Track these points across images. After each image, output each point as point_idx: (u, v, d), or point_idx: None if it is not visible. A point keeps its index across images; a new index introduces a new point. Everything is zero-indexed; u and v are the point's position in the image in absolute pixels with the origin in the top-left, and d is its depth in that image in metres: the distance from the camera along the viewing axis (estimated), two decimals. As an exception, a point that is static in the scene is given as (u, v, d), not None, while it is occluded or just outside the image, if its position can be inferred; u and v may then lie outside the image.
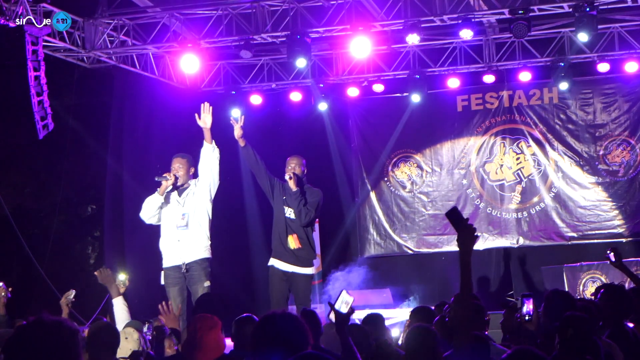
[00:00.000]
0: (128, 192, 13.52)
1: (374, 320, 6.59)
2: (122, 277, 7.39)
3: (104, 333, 5.07)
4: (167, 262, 8.63)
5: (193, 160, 8.76)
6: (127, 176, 13.55)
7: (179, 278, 8.51)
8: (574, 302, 5.57)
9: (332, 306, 4.37)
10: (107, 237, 13.93)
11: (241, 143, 8.78)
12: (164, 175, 8.57)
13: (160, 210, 8.67)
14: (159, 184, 8.66)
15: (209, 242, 8.66)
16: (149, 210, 8.66)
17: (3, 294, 7.23)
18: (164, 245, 8.69)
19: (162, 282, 8.64)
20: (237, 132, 8.72)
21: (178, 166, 8.61)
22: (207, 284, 8.44)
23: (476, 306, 5.48)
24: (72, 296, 7.25)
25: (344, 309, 4.36)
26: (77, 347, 2.77)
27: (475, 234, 4.02)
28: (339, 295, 4.43)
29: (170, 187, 8.58)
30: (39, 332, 2.72)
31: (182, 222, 8.55)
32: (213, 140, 8.63)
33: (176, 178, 8.58)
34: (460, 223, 4.00)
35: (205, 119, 8.60)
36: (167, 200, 8.65)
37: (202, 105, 8.69)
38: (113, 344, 5.10)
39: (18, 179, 14.96)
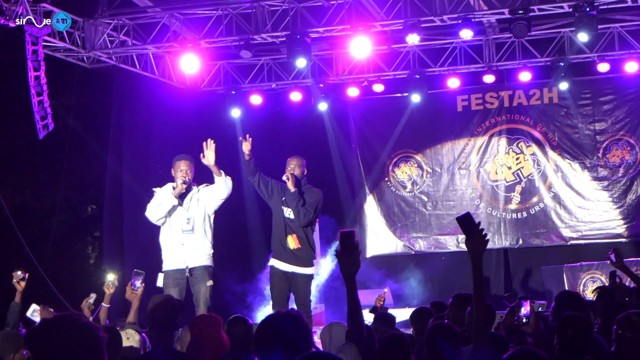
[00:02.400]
0: (128, 192, 13.53)
1: (385, 319, 6.60)
2: (111, 277, 7.41)
3: (109, 335, 5.09)
4: (168, 265, 8.58)
5: (194, 160, 8.74)
6: (127, 176, 13.56)
7: (180, 279, 8.48)
8: (584, 303, 5.56)
9: (337, 257, 3.91)
10: (107, 237, 13.94)
11: (246, 157, 8.80)
12: (181, 181, 8.44)
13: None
14: (158, 184, 8.64)
15: (212, 251, 8.69)
16: (161, 211, 8.53)
17: (20, 281, 7.22)
18: (167, 247, 8.62)
19: (159, 284, 8.54)
20: (246, 149, 8.69)
21: (186, 169, 8.53)
22: (209, 283, 8.48)
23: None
24: (92, 300, 7.31)
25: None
26: (102, 344, 2.79)
27: (487, 239, 4.03)
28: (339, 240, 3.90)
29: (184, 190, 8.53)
30: (66, 326, 2.74)
31: (187, 226, 8.53)
32: (222, 171, 8.56)
33: (190, 182, 8.59)
34: (471, 229, 4.00)
35: (208, 157, 8.50)
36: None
37: (204, 142, 8.54)
38: (116, 346, 5.12)
39: (18, 179, 14.97)
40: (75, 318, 2.79)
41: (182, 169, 8.51)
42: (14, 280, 7.22)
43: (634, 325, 4.13)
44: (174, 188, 8.50)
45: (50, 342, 2.72)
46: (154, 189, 8.72)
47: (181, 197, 8.57)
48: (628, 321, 4.16)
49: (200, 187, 8.71)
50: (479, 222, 4.07)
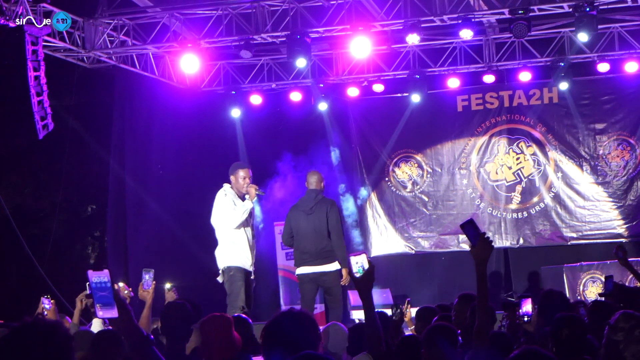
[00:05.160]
0: (129, 191, 13.53)
1: (381, 319, 6.58)
2: (168, 285, 7.68)
3: (108, 339, 5.10)
4: (241, 262, 8.92)
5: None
6: (128, 176, 13.56)
7: (246, 275, 8.91)
8: (568, 301, 5.57)
9: (351, 276, 4.16)
10: (110, 237, 13.93)
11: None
12: (254, 189, 8.90)
13: None
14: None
15: None
16: (244, 217, 8.90)
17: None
18: (242, 248, 8.93)
19: (220, 279, 8.90)
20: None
21: (250, 176, 9.04)
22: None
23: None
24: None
25: (360, 270, 4.10)
26: (70, 352, 2.77)
27: (492, 244, 4.04)
28: (349, 264, 4.18)
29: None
30: (32, 334, 2.71)
31: (252, 232, 9.14)
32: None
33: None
34: (476, 236, 3.99)
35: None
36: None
37: None
38: (115, 348, 5.12)
39: (18, 179, 14.98)
40: (42, 325, 2.76)
41: (247, 176, 8.95)
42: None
43: (621, 330, 4.16)
44: (245, 194, 8.92)
45: (15, 351, 2.69)
46: (225, 188, 8.92)
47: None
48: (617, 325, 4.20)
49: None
50: (484, 232, 4.05)
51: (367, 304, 4.10)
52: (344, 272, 9.29)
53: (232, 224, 8.82)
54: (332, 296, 9.43)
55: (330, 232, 9.29)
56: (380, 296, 13.23)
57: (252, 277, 8.97)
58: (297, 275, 9.56)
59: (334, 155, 15.06)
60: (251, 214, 9.01)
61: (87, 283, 3.05)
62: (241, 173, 8.89)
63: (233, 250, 8.91)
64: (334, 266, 9.36)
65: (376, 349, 4.08)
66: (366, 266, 4.08)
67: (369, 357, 4.05)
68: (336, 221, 9.37)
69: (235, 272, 8.82)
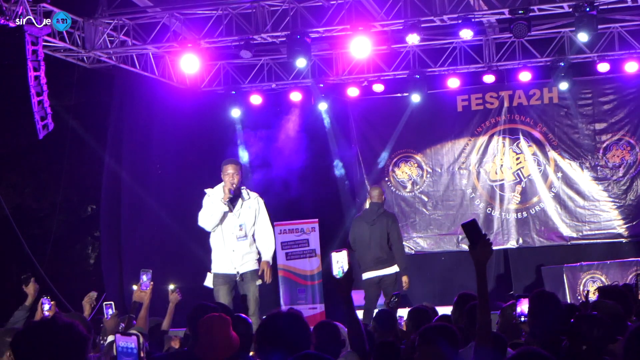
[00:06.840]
0: (127, 192, 13.51)
1: (387, 319, 6.60)
2: (172, 287, 7.66)
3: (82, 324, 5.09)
4: (219, 269, 8.64)
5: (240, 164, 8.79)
6: (126, 176, 13.54)
7: (230, 281, 8.59)
8: (560, 302, 5.56)
9: (332, 277, 4.21)
10: (104, 237, 13.90)
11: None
12: (227, 188, 8.42)
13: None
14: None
15: (259, 256, 8.74)
16: (215, 221, 8.52)
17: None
18: (218, 252, 8.66)
19: (207, 283, 8.67)
20: None
21: (232, 173, 8.46)
22: (258, 282, 8.61)
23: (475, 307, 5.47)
24: (94, 297, 7.34)
25: (340, 272, 4.13)
26: (85, 352, 2.78)
27: (492, 246, 4.04)
28: (331, 261, 4.16)
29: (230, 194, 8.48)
30: (46, 332, 2.73)
31: (240, 232, 8.58)
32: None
33: (239, 186, 8.58)
34: (477, 237, 3.99)
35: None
36: (230, 208, 8.59)
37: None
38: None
39: (18, 179, 14.99)
40: (59, 321, 2.77)
41: (228, 173, 8.46)
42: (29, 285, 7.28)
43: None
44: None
45: (34, 346, 2.71)
46: (205, 190, 8.70)
47: (231, 201, 8.53)
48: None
49: (253, 194, 8.76)
50: (485, 234, 4.06)
51: (348, 305, 4.16)
52: (404, 279, 10.34)
53: (207, 226, 8.57)
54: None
55: (393, 244, 10.41)
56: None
57: (238, 278, 8.54)
58: (363, 280, 10.44)
59: (334, 155, 15.06)
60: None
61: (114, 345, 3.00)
62: (226, 170, 8.44)
63: (215, 255, 8.71)
64: (392, 269, 10.42)
65: (361, 348, 4.13)
66: (346, 267, 4.11)
67: (355, 356, 4.09)
68: (398, 234, 10.57)
69: (215, 278, 8.63)
